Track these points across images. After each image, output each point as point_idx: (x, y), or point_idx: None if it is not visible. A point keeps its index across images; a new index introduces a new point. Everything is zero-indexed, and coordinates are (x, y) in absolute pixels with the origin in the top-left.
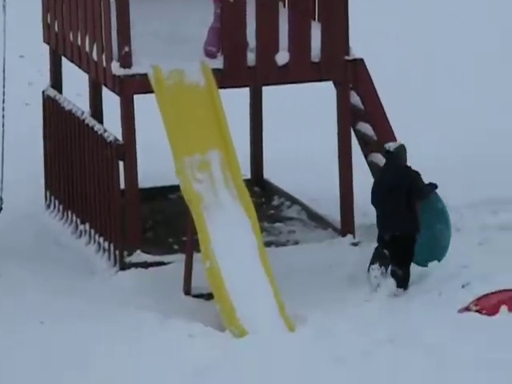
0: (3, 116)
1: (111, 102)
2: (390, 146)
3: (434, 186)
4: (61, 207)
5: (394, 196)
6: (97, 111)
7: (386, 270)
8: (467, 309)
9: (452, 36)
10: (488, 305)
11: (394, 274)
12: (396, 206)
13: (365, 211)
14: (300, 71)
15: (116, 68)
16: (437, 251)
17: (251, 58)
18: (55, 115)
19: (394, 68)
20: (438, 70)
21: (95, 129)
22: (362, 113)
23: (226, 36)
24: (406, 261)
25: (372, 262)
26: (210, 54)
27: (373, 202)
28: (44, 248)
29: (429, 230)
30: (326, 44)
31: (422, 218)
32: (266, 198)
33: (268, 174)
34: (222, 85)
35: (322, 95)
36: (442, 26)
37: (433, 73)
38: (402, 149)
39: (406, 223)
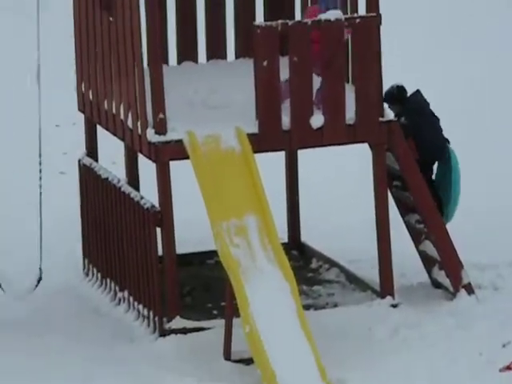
0: (40, 186)
1: (147, 168)
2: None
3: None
4: (99, 275)
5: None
6: (133, 178)
7: None
8: (508, 368)
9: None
10: None
11: None
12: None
13: (403, 272)
14: (335, 134)
15: (151, 135)
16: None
17: (286, 121)
18: (91, 183)
19: None
20: (479, 125)
21: (132, 196)
22: (398, 174)
23: (260, 101)
24: None
25: None
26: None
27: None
28: (83, 316)
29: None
30: (361, 106)
31: None
32: (304, 261)
33: (305, 237)
34: (258, 149)
35: (358, 158)
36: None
37: (474, 128)
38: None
39: None
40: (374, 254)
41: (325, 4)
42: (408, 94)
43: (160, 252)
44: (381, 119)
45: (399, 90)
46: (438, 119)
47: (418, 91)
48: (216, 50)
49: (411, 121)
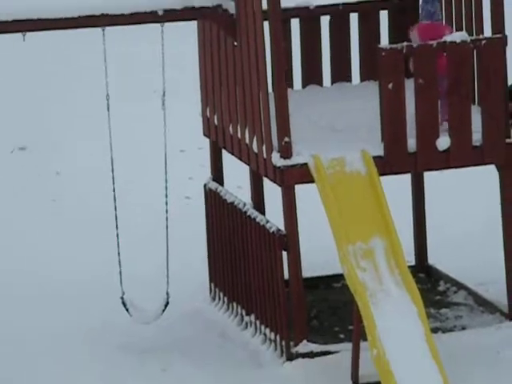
0: (166, 211)
1: (273, 193)
2: None
3: None
4: (225, 299)
5: None
6: (258, 202)
7: None
8: None
9: None
10: None
11: None
12: None
13: None
14: (461, 156)
15: (276, 159)
16: None
17: (412, 143)
18: (217, 208)
19: None
20: None
21: (257, 220)
22: None
23: (386, 123)
24: None
25: None
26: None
27: None
28: (210, 341)
29: None
30: (487, 127)
31: None
32: (431, 284)
33: (433, 259)
34: (383, 172)
35: (483, 179)
36: None
37: None
38: None
39: None
40: (502, 275)
41: (436, 16)
42: None
43: (286, 276)
44: (507, 140)
45: None
46: None
47: None
48: (341, 73)
49: None
